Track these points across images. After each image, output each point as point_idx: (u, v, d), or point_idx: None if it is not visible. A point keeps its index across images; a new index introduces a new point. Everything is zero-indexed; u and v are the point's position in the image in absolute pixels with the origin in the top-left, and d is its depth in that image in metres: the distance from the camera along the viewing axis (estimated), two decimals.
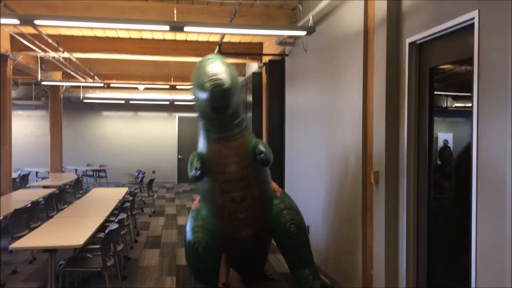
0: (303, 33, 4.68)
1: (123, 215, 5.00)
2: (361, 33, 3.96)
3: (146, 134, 14.75)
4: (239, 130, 3.79)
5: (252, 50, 7.74)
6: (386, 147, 3.49)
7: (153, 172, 14.29)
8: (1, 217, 5.05)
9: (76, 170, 12.72)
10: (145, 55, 7.80)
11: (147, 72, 9.80)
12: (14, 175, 9.55)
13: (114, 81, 10.42)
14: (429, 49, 3.17)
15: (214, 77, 3.30)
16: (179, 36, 7.49)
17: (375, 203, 3.68)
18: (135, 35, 7.38)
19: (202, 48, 7.71)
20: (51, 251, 3.84)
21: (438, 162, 3.17)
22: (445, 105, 3.24)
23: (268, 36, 7.08)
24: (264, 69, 7.53)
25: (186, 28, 4.36)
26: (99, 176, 13.23)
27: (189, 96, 11.44)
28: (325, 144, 4.88)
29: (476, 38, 2.53)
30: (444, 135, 3.15)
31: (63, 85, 11.17)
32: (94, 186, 12.24)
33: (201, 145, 3.90)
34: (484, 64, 2.48)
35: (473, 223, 2.56)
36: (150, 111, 14.77)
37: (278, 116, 6.85)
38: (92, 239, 4.31)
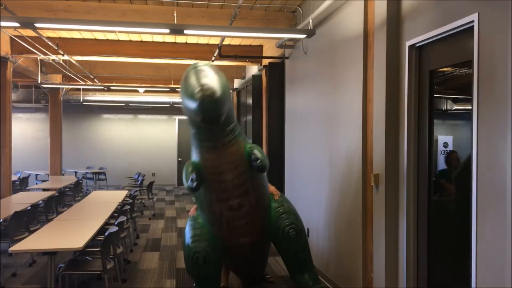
0: (303, 36, 4.69)
1: (123, 218, 5.00)
2: (361, 36, 3.97)
3: (146, 136, 14.75)
4: (233, 137, 3.69)
5: (252, 53, 7.75)
6: (386, 150, 3.49)
7: (153, 174, 14.29)
8: (1, 220, 5.05)
9: (76, 172, 12.71)
10: (145, 57, 7.82)
11: (147, 75, 9.81)
12: (14, 177, 9.53)
13: (114, 84, 10.42)
14: (429, 51, 3.17)
15: (204, 87, 3.16)
16: (179, 39, 7.50)
17: (375, 206, 3.67)
18: (135, 37, 7.40)
19: (202, 51, 7.73)
20: (51, 254, 3.83)
21: (444, 166, 3.16)
22: (445, 108, 3.25)
23: (268, 39, 7.09)
24: (264, 71, 7.53)
25: (186, 31, 4.37)
26: (99, 178, 13.22)
27: None
28: (325, 147, 4.88)
29: (476, 40, 2.53)
30: (444, 138, 3.15)
31: (63, 88, 11.19)
32: (94, 188, 12.23)
33: (195, 153, 3.80)
34: (484, 66, 2.48)
35: (473, 225, 2.55)
36: (150, 114, 14.77)
37: (278, 119, 6.85)
38: (92, 242, 4.30)
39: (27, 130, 14.06)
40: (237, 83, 10.76)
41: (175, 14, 5.18)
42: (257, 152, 3.72)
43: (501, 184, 2.35)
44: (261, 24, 6.03)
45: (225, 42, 7.09)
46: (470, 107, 2.59)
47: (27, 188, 9.96)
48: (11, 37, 7.01)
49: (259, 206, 4.02)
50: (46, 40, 6.14)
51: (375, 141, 3.68)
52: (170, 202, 11.45)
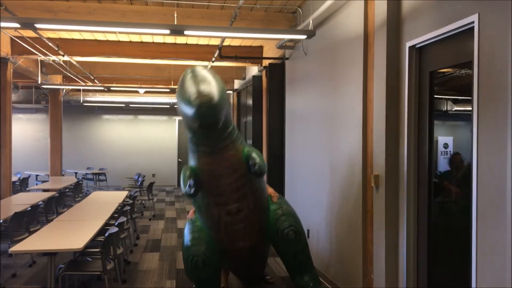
0: (303, 36, 4.69)
1: (123, 219, 4.99)
2: (361, 37, 3.97)
3: (146, 137, 14.75)
4: (230, 141, 3.63)
5: (252, 54, 7.76)
6: (386, 151, 3.49)
7: (153, 175, 14.29)
8: (1, 221, 5.04)
9: (76, 173, 12.72)
10: (146, 58, 7.82)
11: (147, 76, 9.82)
12: (14, 178, 9.53)
13: (114, 85, 10.43)
14: (429, 52, 3.17)
15: (201, 93, 3.08)
16: (179, 40, 7.51)
17: (375, 207, 3.67)
18: (135, 38, 7.40)
19: (202, 52, 7.73)
20: (51, 255, 3.83)
21: (447, 168, 3.16)
22: (445, 109, 3.25)
23: (268, 40, 7.09)
24: (264, 72, 7.54)
25: (186, 32, 4.37)
26: (99, 179, 13.23)
27: None
28: (325, 148, 4.88)
29: (476, 41, 2.53)
30: (444, 139, 3.15)
31: (63, 89, 11.19)
32: (94, 189, 12.22)
33: (192, 158, 3.75)
34: (484, 67, 2.48)
35: (473, 225, 2.55)
36: (150, 115, 14.78)
37: (278, 120, 6.85)
38: (92, 242, 4.30)
39: (27, 130, 14.06)
40: (237, 84, 10.77)
41: (175, 15, 5.18)
42: (255, 157, 3.65)
43: (501, 185, 2.35)
44: (261, 25, 6.03)
45: (225, 43, 7.10)
46: (470, 108, 2.59)
47: (27, 188, 9.97)
48: (11, 38, 7.01)
49: (257, 209, 3.99)
50: (47, 41, 6.15)
51: (375, 142, 3.68)
52: (170, 202, 11.45)
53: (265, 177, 4.22)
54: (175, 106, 13.41)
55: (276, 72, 6.91)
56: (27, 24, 4.20)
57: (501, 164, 2.35)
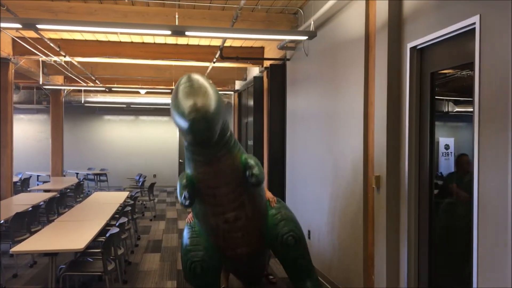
0: (304, 37, 4.69)
1: (124, 219, 5.00)
2: (362, 38, 3.97)
3: (147, 138, 14.77)
4: (227, 150, 3.46)
5: (254, 55, 7.76)
6: (387, 152, 3.49)
7: (154, 176, 14.30)
8: (2, 221, 5.05)
9: (77, 174, 12.73)
10: (147, 59, 7.82)
11: (149, 76, 9.82)
12: (15, 178, 9.56)
13: (115, 85, 10.44)
14: (430, 53, 3.17)
15: (195, 107, 2.86)
16: (181, 41, 7.51)
17: (376, 208, 3.67)
18: (136, 39, 7.40)
19: (203, 52, 7.73)
20: (52, 255, 3.83)
21: (452, 169, 3.16)
22: (446, 110, 3.25)
23: (270, 41, 7.10)
24: (265, 73, 7.54)
25: (187, 33, 4.37)
26: (100, 180, 13.24)
27: None
28: (326, 149, 4.88)
29: (477, 42, 2.53)
30: (445, 140, 3.15)
31: (64, 89, 11.20)
32: (95, 190, 12.24)
33: (188, 166, 3.62)
34: (485, 68, 2.48)
35: (474, 226, 2.55)
36: (151, 115, 14.79)
37: (279, 121, 6.85)
38: (93, 243, 4.30)
39: (29, 131, 14.09)
40: (238, 84, 10.77)
41: (176, 16, 5.18)
42: (252, 166, 3.50)
43: (502, 185, 2.35)
44: (263, 26, 6.03)
45: (226, 44, 7.10)
46: (472, 109, 2.59)
47: (28, 189, 9.99)
48: (13, 39, 7.03)
49: (256, 217, 3.92)
50: (48, 42, 6.15)
51: (376, 143, 3.68)
52: (171, 203, 11.45)
53: (265, 180, 4.18)
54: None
55: (277, 73, 6.91)
56: (29, 24, 4.20)
57: (502, 165, 2.35)
